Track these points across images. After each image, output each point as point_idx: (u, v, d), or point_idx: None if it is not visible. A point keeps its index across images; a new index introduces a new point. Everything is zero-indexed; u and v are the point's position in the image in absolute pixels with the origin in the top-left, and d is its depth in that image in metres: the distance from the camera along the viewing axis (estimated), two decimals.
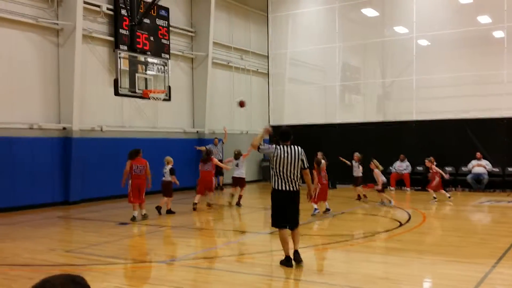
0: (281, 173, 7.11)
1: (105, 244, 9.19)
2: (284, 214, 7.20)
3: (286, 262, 7.17)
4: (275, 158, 7.11)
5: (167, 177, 12.67)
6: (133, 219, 11.70)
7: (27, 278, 6.94)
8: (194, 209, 13.26)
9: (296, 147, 7.23)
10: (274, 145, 7.21)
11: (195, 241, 10.09)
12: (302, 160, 7.20)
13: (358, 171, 15.45)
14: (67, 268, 7.41)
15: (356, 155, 15.55)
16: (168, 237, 10.45)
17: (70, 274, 1.86)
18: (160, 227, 11.18)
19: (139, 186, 11.82)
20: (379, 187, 13.87)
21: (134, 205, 11.87)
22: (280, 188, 7.15)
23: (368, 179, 16.02)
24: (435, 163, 15.29)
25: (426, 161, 15.29)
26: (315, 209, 12.03)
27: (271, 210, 7.36)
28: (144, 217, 11.95)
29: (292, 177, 7.12)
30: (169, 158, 12.95)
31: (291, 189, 7.15)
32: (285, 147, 7.20)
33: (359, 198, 15.35)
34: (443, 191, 15.07)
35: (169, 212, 12.73)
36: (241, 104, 11.79)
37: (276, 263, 7.34)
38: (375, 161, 13.86)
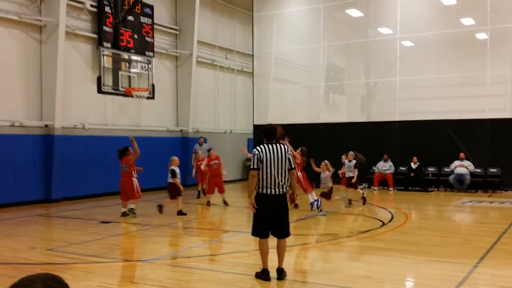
0: (267, 175, 6.36)
1: (87, 242, 9.10)
2: (267, 221, 6.43)
3: (263, 276, 6.49)
4: (260, 160, 6.40)
5: (169, 179, 12.38)
6: (122, 215, 11.83)
7: (8, 276, 6.84)
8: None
9: (281, 145, 6.53)
10: (254, 151, 6.47)
11: (178, 240, 10.04)
12: (289, 159, 6.48)
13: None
14: (49, 266, 7.31)
15: (351, 154, 14.18)
16: (152, 236, 10.38)
17: (49, 273, 1.83)
18: (144, 225, 11.10)
19: (123, 183, 11.90)
20: (326, 190, 12.44)
21: (122, 202, 12.01)
22: (264, 191, 6.39)
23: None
24: (331, 167, 13.09)
25: (322, 164, 12.83)
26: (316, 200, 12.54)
27: (253, 217, 6.61)
28: (130, 211, 11.90)
29: (279, 179, 6.38)
30: (173, 158, 12.56)
31: (278, 192, 6.40)
32: (269, 146, 6.45)
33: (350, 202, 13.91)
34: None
35: (180, 213, 12.24)
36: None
37: (259, 262, 7.31)
38: (327, 162, 12.70)
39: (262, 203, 6.42)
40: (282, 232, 6.53)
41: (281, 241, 6.55)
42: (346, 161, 14.03)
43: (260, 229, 6.51)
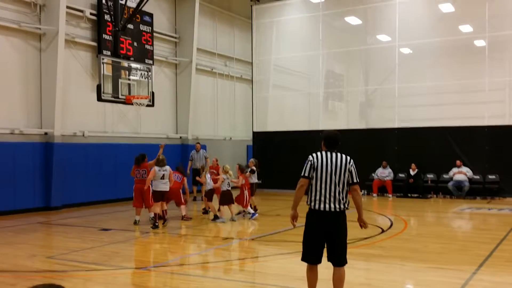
0: (321, 187, 5.37)
1: (87, 250, 9.11)
2: (320, 244, 5.44)
3: None
4: (313, 168, 5.44)
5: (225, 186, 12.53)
6: (135, 223, 11.87)
7: (9, 284, 6.84)
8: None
9: (342, 155, 5.53)
10: (309, 157, 5.55)
11: (178, 247, 10.04)
12: (351, 172, 5.46)
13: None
14: (49, 274, 7.32)
15: (251, 161, 14.20)
16: (151, 243, 10.39)
17: (53, 283, 1.86)
18: (143, 233, 11.11)
19: (141, 190, 11.79)
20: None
21: (136, 209, 11.97)
22: (317, 207, 5.38)
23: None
24: (249, 172, 13.35)
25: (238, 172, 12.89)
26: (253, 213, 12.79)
27: (303, 236, 5.60)
28: (152, 220, 11.68)
29: (336, 192, 5.37)
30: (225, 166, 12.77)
31: (334, 209, 5.36)
32: (328, 153, 5.51)
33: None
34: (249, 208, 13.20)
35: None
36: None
37: (259, 270, 7.32)
38: (226, 166, 12.70)
39: (314, 221, 5.44)
40: (339, 258, 5.47)
41: (338, 269, 5.52)
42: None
43: (309, 253, 5.49)
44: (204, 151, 18.18)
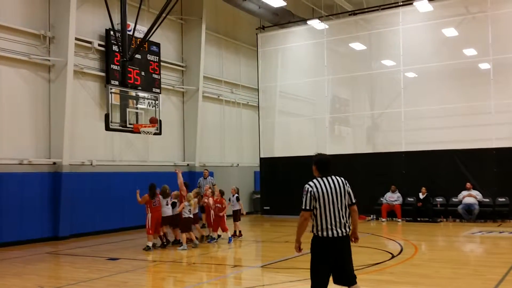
0: (326, 215, 5.35)
1: (94, 280, 9.07)
2: (328, 271, 5.42)
3: None
4: (314, 198, 5.40)
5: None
6: (147, 248, 12.28)
7: None
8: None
9: (337, 178, 5.54)
10: (306, 187, 5.47)
11: (185, 276, 9.98)
12: (349, 193, 5.51)
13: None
14: None
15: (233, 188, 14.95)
16: (159, 272, 10.34)
17: None
18: (151, 262, 11.06)
19: (158, 218, 12.53)
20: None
21: (149, 236, 12.42)
22: (325, 234, 5.35)
23: None
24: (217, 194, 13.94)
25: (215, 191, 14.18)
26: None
27: (310, 264, 5.51)
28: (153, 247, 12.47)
29: (341, 217, 5.38)
30: (175, 192, 13.18)
31: (341, 233, 5.37)
32: (325, 180, 5.48)
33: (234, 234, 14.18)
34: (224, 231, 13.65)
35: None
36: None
37: None
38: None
39: (322, 248, 5.40)
40: (350, 276, 5.52)
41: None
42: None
43: (319, 282, 5.42)
44: (212, 177, 18.19)
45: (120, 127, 16.18)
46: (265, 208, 21.79)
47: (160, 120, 17.74)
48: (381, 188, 18.71)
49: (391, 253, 11.15)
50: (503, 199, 17.22)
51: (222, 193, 13.90)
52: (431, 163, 18.36)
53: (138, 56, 16.81)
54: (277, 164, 21.56)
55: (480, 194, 17.37)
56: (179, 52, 20.65)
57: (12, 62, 14.44)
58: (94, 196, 16.00)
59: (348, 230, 5.44)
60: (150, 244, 12.37)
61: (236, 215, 14.51)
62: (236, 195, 14.61)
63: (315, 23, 20.81)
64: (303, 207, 5.40)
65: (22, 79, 14.74)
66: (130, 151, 18.02)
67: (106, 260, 11.35)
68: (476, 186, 17.61)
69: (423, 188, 18.04)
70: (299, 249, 5.61)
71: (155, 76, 18.30)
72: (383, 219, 18.36)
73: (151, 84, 18.01)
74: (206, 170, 18.27)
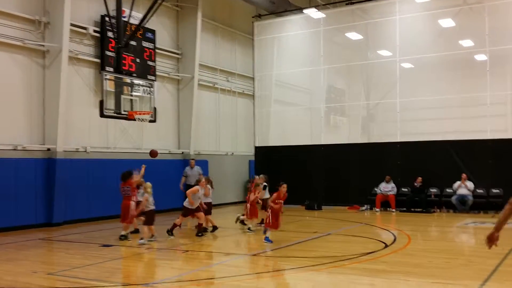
0: None
1: (88, 266, 9.06)
2: None
3: None
4: None
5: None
6: (121, 238, 11.93)
7: None
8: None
9: None
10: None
11: (179, 263, 9.98)
12: None
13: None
14: None
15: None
16: (153, 259, 10.34)
17: None
18: (145, 249, 11.05)
19: (125, 207, 11.98)
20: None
21: (123, 225, 12.14)
22: None
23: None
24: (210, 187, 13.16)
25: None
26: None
27: None
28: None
29: None
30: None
31: None
32: None
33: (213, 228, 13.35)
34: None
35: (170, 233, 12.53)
36: (152, 154, 13.40)
37: (261, 285, 7.26)
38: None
39: None
40: None
41: None
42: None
43: None
44: (199, 167, 17.91)
45: (115, 114, 16.13)
46: None
47: (155, 108, 17.69)
48: (375, 178, 18.75)
49: (384, 243, 11.18)
50: (497, 191, 17.29)
51: (208, 180, 13.12)
52: (426, 154, 18.39)
53: (133, 42, 16.70)
54: (272, 153, 21.55)
55: (472, 185, 17.41)
56: (175, 39, 20.53)
57: (6, 47, 14.31)
58: (88, 183, 15.96)
59: None
60: (122, 233, 12.07)
61: (210, 208, 13.38)
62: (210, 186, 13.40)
63: (311, 12, 20.69)
64: None
65: (17, 64, 14.62)
66: (125, 138, 17.95)
67: (100, 246, 11.33)
68: (471, 177, 17.66)
69: (419, 177, 18.08)
70: (493, 239, 4.74)
71: (150, 63, 18.19)
72: (377, 209, 18.42)
73: (146, 71, 17.90)
74: (193, 159, 18.12)
